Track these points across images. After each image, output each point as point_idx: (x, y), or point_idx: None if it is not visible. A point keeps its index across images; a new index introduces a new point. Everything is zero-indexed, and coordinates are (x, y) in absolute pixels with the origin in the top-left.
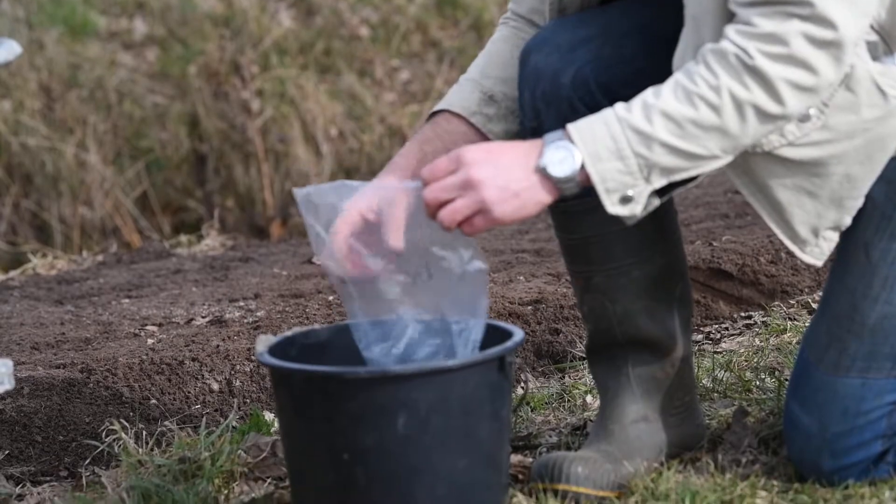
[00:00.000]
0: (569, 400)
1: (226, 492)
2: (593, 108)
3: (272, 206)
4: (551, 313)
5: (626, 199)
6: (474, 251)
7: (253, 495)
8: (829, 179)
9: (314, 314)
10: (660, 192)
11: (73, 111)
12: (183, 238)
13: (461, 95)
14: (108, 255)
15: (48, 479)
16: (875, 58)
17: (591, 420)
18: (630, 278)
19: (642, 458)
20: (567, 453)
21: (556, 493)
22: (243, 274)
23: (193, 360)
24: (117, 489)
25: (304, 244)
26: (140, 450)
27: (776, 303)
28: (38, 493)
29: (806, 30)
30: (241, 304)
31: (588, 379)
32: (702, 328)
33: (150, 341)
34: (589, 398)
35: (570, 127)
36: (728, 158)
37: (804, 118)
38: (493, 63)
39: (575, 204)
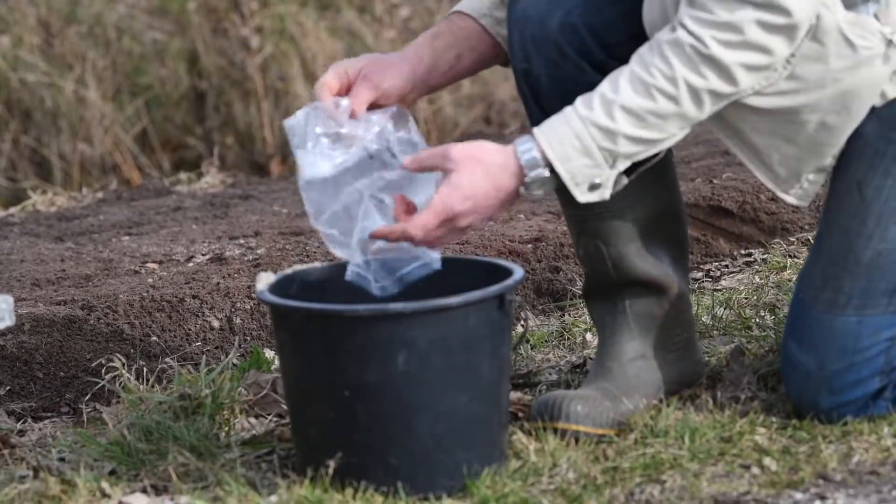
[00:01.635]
0: (569, 338)
1: (226, 429)
2: (582, 51)
3: (272, 144)
4: (551, 251)
5: (594, 187)
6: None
7: (253, 432)
8: (804, 127)
9: (314, 252)
10: (626, 172)
11: (72, 47)
12: (183, 175)
13: None
14: (108, 191)
15: (49, 414)
16: (852, 5)
17: (590, 358)
18: (623, 221)
19: (641, 395)
20: (566, 392)
21: (555, 431)
22: (243, 211)
23: (194, 297)
24: (118, 425)
25: None
26: (141, 386)
27: (776, 240)
28: (40, 429)
29: (760, 17)
30: (242, 241)
31: (588, 317)
32: (702, 266)
33: (150, 279)
34: (589, 336)
35: (537, 132)
36: (686, 131)
37: None
38: None
39: None
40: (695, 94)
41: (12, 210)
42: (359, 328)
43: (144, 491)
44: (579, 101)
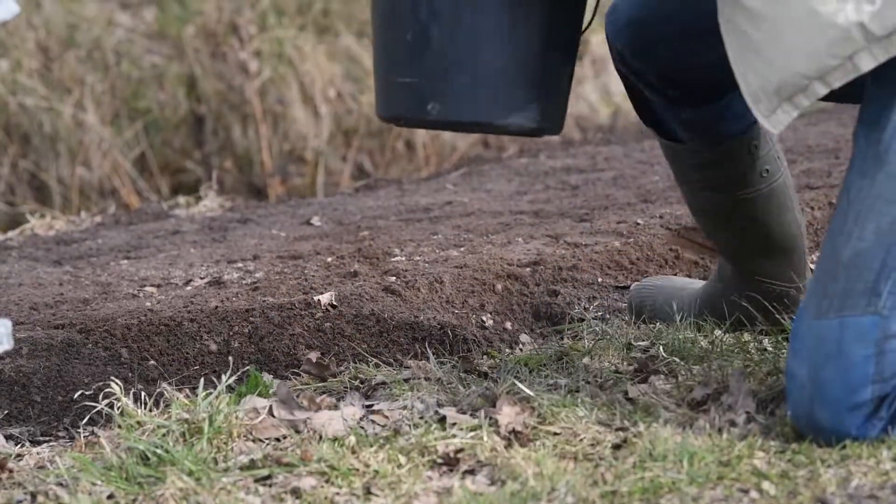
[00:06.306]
0: (567, 362)
1: (224, 452)
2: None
3: (270, 168)
4: (549, 275)
5: None
6: None
7: (252, 456)
8: (773, 38)
9: (313, 275)
10: None
11: (71, 71)
12: (181, 199)
13: None
14: (107, 215)
15: (47, 439)
16: None
17: (587, 382)
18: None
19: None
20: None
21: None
22: (242, 235)
23: (192, 321)
24: (116, 449)
25: (302, 205)
26: (138, 410)
27: None
28: (38, 453)
29: None
30: (240, 265)
31: (587, 341)
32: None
33: (148, 302)
34: (587, 360)
35: None
36: None
37: None
38: None
39: None
40: None
41: (10, 234)
42: None
43: None
44: None
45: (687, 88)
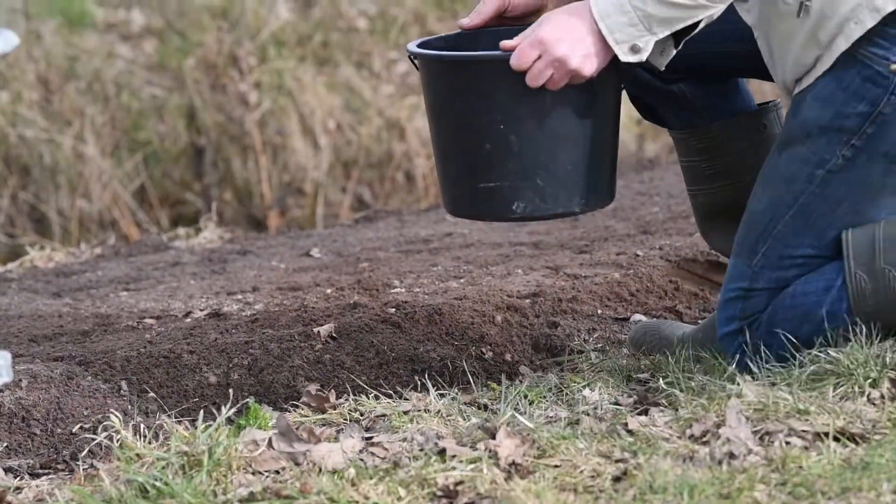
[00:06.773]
0: (567, 394)
1: (223, 485)
2: None
3: (270, 199)
4: (549, 306)
5: (635, 49)
6: None
7: (251, 489)
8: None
9: (312, 307)
10: (676, 42)
11: (71, 103)
12: (181, 231)
13: None
14: (106, 247)
15: (46, 471)
16: None
17: (587, 414)
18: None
19: None
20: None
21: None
22: (241, 267)
23: (191, 353)
24: (115, 482)
25: (301, 237)
26: (138, 443)
27: None
28: (37, 486)
29: None
30: (240, 297)
31: (587, 373)
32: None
33: (147, 334)
34: (586, 392)
35: None
36: (718, 6)
37: None
38: None
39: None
40: None
41: (10, 266)
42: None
43: None
44: None
45: (679, 67)
